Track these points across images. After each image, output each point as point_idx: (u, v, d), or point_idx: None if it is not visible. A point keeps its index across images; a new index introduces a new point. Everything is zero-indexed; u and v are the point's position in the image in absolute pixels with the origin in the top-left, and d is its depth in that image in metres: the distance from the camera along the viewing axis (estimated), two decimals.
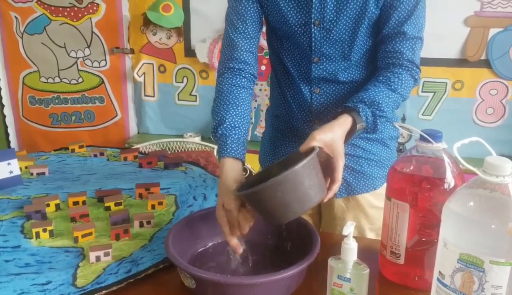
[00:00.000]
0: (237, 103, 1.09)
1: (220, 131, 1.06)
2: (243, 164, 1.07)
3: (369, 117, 1.02)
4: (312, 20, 1.10)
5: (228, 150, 1.04)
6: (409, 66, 1.09)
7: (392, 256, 0.93)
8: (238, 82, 1.12)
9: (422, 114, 2.69)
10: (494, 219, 0.71)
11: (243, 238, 0.96)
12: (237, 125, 1.07)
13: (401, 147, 2.64)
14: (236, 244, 0.95)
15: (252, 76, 1.16)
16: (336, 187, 0.95)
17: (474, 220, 0.72)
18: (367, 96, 1.03)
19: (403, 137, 2.65)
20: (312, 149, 0.90)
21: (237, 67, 1.13)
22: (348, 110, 1.01)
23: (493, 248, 0.70)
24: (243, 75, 1.13)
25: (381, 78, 1.08)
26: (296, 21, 1.12)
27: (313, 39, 1.12)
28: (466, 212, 0.73)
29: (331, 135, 0.94)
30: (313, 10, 1.09)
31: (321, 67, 1.15)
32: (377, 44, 1.13)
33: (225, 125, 1.06)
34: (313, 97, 1.18)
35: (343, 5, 1.08)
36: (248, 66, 1.14)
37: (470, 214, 0.73)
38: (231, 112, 1.08)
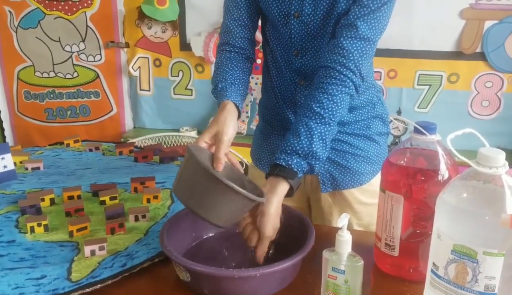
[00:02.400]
0: (235, 69, 1.15)
1: (220, 86, 1.11)
2: (239, 117, 1.08)
3: (305, 169, 1.00)
4: (292, 12, 1.10)
5: (229, 95, 1.08)
6: (350, 75, 1.02)
7: (386, 248, 0.93)
8: (236, 57, 1.17)
9: (418, 107, 2.69)
10: (487, 210, 0.71)
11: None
12: (236, 83, 1.12)
13: (396, 140, 2.64)
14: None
15: (249, 57, 1.20)
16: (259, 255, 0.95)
17: (468, 211, 0.72)
18: (300, 147, 0.98)
19: (399, 130, 2.65)
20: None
21: (233, 51, 1.18)
22: (282, 169, 0.98)
23: (486, 239, 0.71)
24: (240, 55, 1.18)
25: (314, 106, 1.01)
26: (280, 11, 1.12)
27: (293, 31, 1.12)
28: (459, 203, 0.74)
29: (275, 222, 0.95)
30: (293, 2, 1.09)
31: (300, 61, 1.15)
32: (330, 38, 1.08)
33: (225, 82, 1.11)
34: (297, 89, 1.18)
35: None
36: (243, 50, 1.18)
37: (464, 206, 0.73)
38: (230, 73, 1.13)
